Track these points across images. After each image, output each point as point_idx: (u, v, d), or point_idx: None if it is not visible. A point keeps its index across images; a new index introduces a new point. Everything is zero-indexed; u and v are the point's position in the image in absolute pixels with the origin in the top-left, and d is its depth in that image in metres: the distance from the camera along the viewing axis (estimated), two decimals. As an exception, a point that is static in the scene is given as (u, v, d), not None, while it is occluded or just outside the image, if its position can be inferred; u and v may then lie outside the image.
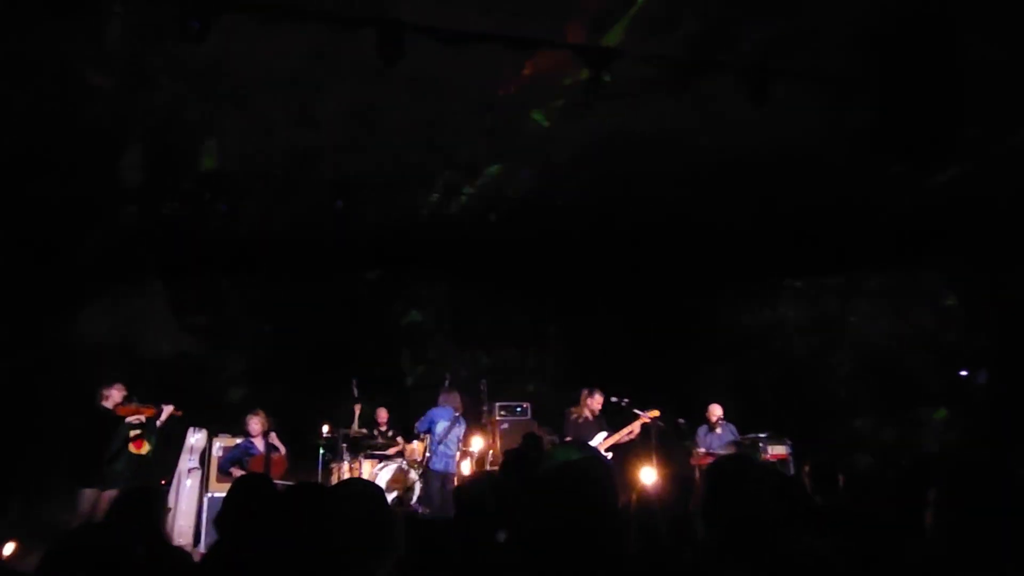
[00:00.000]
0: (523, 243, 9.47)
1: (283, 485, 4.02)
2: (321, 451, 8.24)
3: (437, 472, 7.93)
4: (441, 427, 8.02)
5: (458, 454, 8.27)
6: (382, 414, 9.09)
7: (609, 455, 7.64)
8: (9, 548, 4.64)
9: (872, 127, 6.18)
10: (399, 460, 8.49)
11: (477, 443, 8.88)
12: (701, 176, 7.59)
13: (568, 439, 7.70)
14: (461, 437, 8.30)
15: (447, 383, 8.77)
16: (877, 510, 3.35)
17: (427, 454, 8.10)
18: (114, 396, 6.79)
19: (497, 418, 9.22)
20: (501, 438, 9.03)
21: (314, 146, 6.86)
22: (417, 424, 8.21)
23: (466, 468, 8.56)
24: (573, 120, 6.53)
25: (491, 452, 9.01)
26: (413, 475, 8.22)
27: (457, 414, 8.21)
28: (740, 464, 2.01)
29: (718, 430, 8.26)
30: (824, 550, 1.80)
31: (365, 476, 8.01)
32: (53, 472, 7.10)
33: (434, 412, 8.18)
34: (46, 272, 8.48)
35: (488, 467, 8.82)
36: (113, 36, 5.09)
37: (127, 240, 8.46)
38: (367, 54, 5.17)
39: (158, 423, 6.95)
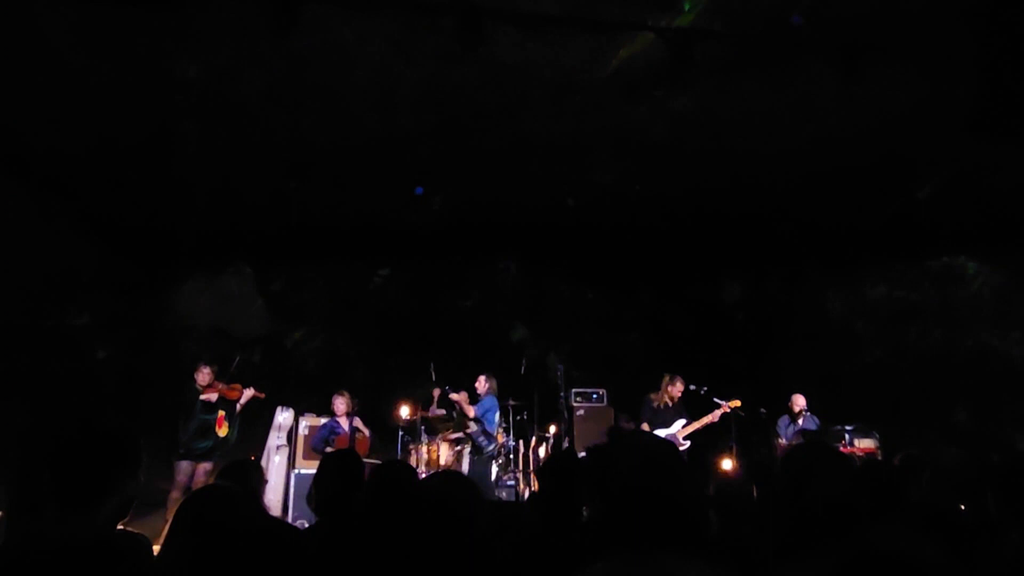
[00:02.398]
0: (603, 229, 9.43)
1: (370, 463, 4.16)
2: (401, 433, 8.44)
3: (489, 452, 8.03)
4: (497, 416, 8.07)
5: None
6: (460, 395, 9.22)
7: (687, 443, 7.57)
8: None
9: (972, 105, 5.87)
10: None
11: (552, 429, 8.92)
12: (787, 160, 7.37)
13: (644, 424, 7.66)
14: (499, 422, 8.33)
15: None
16: (958, 506, 3.21)
17: (501, 439, 8.16)
18: (201, 376, 7.17)
19: (574, 404, 9.21)
20: (577, 424, 9.02)
21: (394, 133, 7.00)
22: (476, 409, 8.28)
23: (542, 453, 8.60)
24: (655, 104, 6.45)
25: (567, 439, 9.02)
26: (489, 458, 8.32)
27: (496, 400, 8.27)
28: (812, 451, 1.96)
29: (800, 421, 8.03)
30: (914, 546, 1.74)
31: (443, 458, 8.17)
32: (152, 444, 7.54)
33: (487, 400, 8.20)
34: (145, 256, 8.96)
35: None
36: (202, 29, 5.32)
37: (219, 225, 8.85)
38: (445, 41, 5.26)
39: (238, 405, 7.30)
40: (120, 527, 1.99)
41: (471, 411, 8.05)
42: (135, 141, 6.87)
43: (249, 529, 1.90)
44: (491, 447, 8.00)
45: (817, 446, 2.11)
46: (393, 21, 5.33)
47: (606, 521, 1.76)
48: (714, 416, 7.55)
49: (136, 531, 2.02)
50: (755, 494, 3.42)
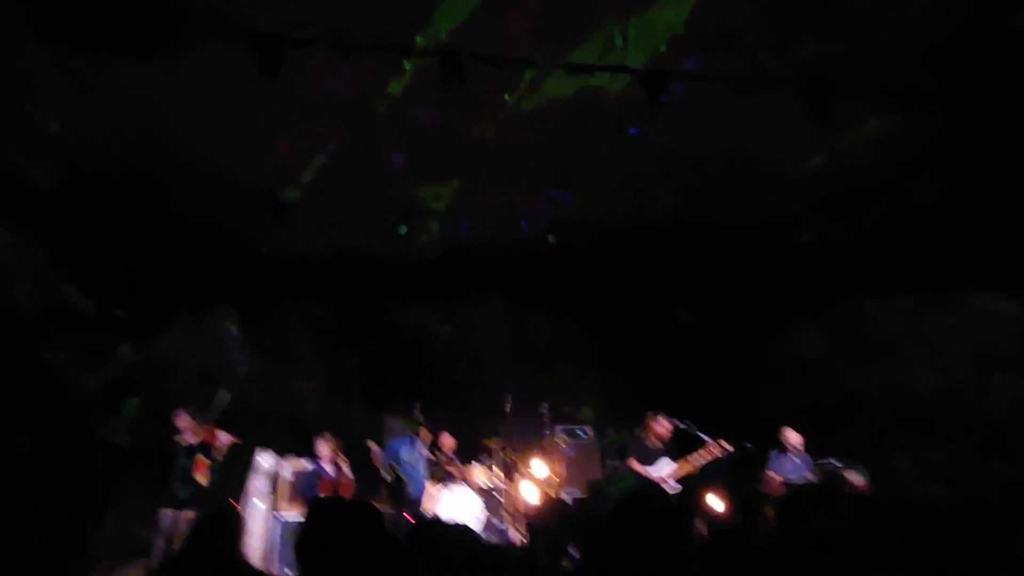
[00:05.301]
0: (582, 264, 9.47)
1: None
2: (382, 473, 8.32)
3: (416, 498, 7.88)
4: (406, 455, 7.99)
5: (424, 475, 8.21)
6: (447, 441, 9.11)
7: (679, 487, 7.46)
8: None
9: (946, 141, 6.01)
10: (461, 483, 8.50)
11: (537, 467, 8.84)
12: (763, 195, 7.48)
13: (633, 462, 7.58)
14: (425, 455, 8.26)
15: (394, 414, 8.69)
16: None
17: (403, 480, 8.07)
18: (180, 421, 7.05)
19: (561, 443, 9.13)
20: (566, 464, 8.93)
21: (377, 172, 7.04)
22: (382, 455, 8.14)
23: (531, 495, 8.49)
24: (628, 140, 6.54)
25: (556, 478, 8.92)
26: (476, 500, 8.20)
27: (415, 438, 8.20)
28: (821, 494, 1.95)
29: (791, 455, 7.99)
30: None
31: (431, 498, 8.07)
32: (134, 491, 7.38)
33: (397, 442, 8.15)
34: (128, 297, 8.88)
35: (553, 493, 8.74)
36: (190, 72, 5.36)
37: (202, 267, 8.80)
38: (429, 79, 5.32)
39: (213, 451, 7.15)
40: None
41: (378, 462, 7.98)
42: (119, 178, 6.84)
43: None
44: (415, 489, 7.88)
45: (823, 489, 2.10)
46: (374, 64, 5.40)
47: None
48: (702, 460, 7.48)
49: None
50: (746, 534, 3.38)
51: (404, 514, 7.54)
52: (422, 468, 8.08)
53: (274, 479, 8.10)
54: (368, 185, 7.26)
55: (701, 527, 6.64)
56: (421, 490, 7.98)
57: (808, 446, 8.10)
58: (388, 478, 8.06)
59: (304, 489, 7.56)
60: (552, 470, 8.94)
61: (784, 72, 5.56)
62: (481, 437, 8.91)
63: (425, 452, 8.23)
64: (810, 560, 1.81)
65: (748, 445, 8.03)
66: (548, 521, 2.74)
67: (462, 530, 2.23)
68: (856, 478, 7.40)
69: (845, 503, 1.91)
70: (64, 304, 7.94)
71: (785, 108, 5.70)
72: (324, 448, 7.58)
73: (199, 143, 6.32)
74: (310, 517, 2.60)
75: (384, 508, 6.89)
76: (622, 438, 9.36)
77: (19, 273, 7.31)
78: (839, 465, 7.75)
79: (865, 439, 8.82)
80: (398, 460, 8.01)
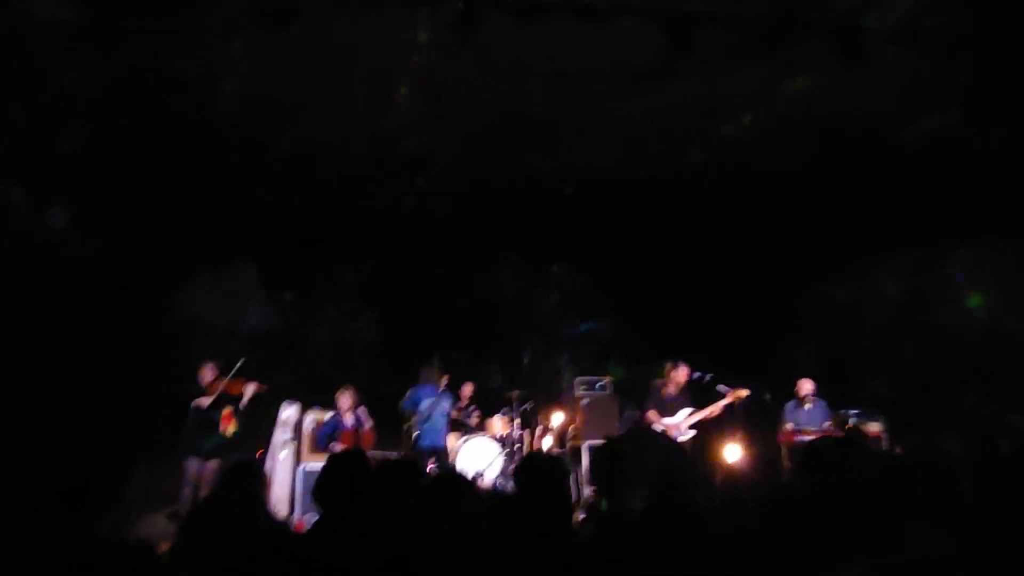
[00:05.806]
0: (601, 216, 9.37)
1: (374, 457, 4.17)
2: (405, 425, 8.47)
3: (424, 449, 7.92)
4: (425, 404, 8.03)
5: (448, 428, 8.33)
6: (466, 389, 9.25)
7: (692, 432, 7.55)
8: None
9: (975, 89, 5.81)
10: (481, 433, 8.65)
11: (557, 419, 8.94)
12: (787, 145, 7.31)
13: (651, 412, 7.64)
14: (448, 411, 8.32)
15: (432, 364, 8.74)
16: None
17: (415, 432, 8.15)
18: (205, 375, 7.20)
19: (578, 394, 9.20)
20: (582, 414, 9.03)
21: (393, 128, 6.95)
22: (403, 403, 8.23)
23: (547, 443, 8.62)
24: (651, 91, 6.38)
25: (571, 428, 9.04)
26: (495, 450, 8.34)
27: (440, 390, 8.24)
28: (842, 449, 1.94)
29: (807, 406, 8.00)
30: (944, 545, 1.70)
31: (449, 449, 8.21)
32: (159, 443, 7.58)
33: (417, 391, 8.20)
34: (147, 253, 8.96)
35: (569, 442, 8.86)
36: (199, 27, 5.28)
37: (223, 222, 8.85)
38: (442, 32, 5.20)
39: (242, 403, 7.33)
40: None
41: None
42: (134, 140, 6.84)
43: (254, 535, 1.91)
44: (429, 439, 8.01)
45: (844, 443, 2.09)
46: (388, 13, 5.28)
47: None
48: (719, 406, 7.52)
49: (141, 535, 2.05)
50: (762, 486, 3.40)
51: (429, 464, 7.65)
52: (440, 417, 8.15)
53: (298, 430, 8.28)
54: (384, 140, 7.17)
55: (717, 476, 6.72)
56: (437, 440, 8.06)
57: (831, 396, 8.10)
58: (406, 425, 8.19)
59: (322, 440, 7.71)
60: (570, 421, 9.05)
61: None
62: (500, 389, 9.01)
63: (447, 404, 8.30)
64: (828, 516, 1.81)
65: (767, 396, 8.07)
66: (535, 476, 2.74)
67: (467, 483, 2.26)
68: (874, 427, 7.41)
69: (864, 459, 1.89)
70: (84, 260, 8.02)
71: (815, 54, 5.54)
72: (344, 400, 7.72)
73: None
74: (324, 470, 2.68)
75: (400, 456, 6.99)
76: (618, 372, 9.43)
77: (39, 228, 7.39)
78: (857, 414, 7.76)
79: (891, 390, 8.79)
80: (416, 408, 8.10)
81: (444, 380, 8.53)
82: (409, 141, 7.24)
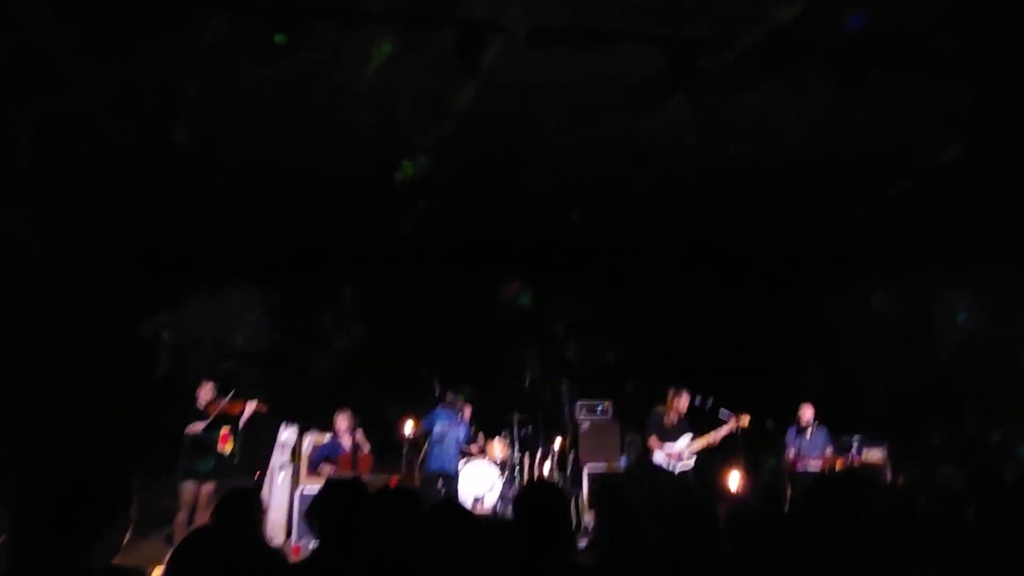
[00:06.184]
0: (607, 239, 9.39)
1: (371, 481, 4.12)
2: (404, 449, 8.38)
3: (431, 472, 7.76)
4: (439, 427, 7.85)
5: (459, 455, 8.10)
6: (465, 412, 9.17)
7: (694, 459, 7.48)
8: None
9: (971, 111, 5.83)
10: (482, 458, 8.57)
11: (558, 443, 8.88)
12: (790, 168, 7.33)
13: (652, 438, 7.58)
14: (462, 439, 8.06)
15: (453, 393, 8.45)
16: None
17: (423, 455, 8.00)
18: (203, 394, 7.13)
19: (579, 418, 9.13)
20: (582, 439, 8.96)
21: (394, 149, 6.97)
22: (422, 421, 8.09)
23: (547, 468, 8.55)
24: (656, 113, 6.40)
25: (571, 452, 8.96)
26: (495, 474, 8.26)
27: (460, 417, 8.06)
28: (850, 485, 1.90)
29: (809, 432, 7.94)
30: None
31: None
32: (155, 464, 7.50)
33: (437, 412, 8.02)
34: (147, 272, 8.96)
35: (569, 467, 8.79)
36: (200, 47, 5.31)
37: (220, 242, 8.85)
38: (446, 54, 5.22)
39: (241, 422, 7.27)
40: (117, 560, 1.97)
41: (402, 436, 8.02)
42: (138, 157, 6.86)
43: (247, 564, 1.87)
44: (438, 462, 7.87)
45: (853, 480, 2.05)
46: (392, 36, 5.30)
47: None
48: (721, 433, 7.45)
49: (133, 564, 2.01)
50: (766, 513, 3.35)
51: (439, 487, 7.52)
52: (452, 443, 7.97)
53: (295, 453, 8.20)
54: (385, 161, 7.19)
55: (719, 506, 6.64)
56: (446, 464, 7.90)
57: (833, 422, 8.04)
58: (405, 449, 8.06)
59: (316, 461, 7.62)
60: (570, 445, 8.99)
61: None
62: (501, 412, 8.95)
63: (463, 432, 8.11)
64: (832, 549, 1.77)
65: (769, 423, 8.02)
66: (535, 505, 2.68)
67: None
68: (873, 454, 7.35)
69: (870, 493, 1.86)
70: (85, 279, 8.02)
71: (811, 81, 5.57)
72: (342, 422, 7.65)
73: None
74: (320, 496, 2.64)
75: (401, 482, 6.91)
76: None
77: (43, 247, 7.38)
78: (859, 440, 7.70)
79: (895, 416, 8.71)
80: (430, 430, 7.98)
81: (468, 410, 8.40)
82: (411, 162, 7.27)
